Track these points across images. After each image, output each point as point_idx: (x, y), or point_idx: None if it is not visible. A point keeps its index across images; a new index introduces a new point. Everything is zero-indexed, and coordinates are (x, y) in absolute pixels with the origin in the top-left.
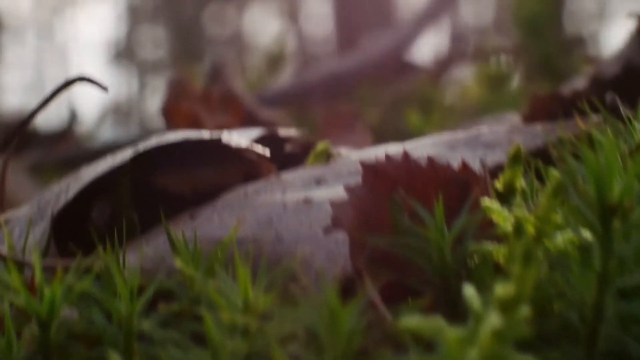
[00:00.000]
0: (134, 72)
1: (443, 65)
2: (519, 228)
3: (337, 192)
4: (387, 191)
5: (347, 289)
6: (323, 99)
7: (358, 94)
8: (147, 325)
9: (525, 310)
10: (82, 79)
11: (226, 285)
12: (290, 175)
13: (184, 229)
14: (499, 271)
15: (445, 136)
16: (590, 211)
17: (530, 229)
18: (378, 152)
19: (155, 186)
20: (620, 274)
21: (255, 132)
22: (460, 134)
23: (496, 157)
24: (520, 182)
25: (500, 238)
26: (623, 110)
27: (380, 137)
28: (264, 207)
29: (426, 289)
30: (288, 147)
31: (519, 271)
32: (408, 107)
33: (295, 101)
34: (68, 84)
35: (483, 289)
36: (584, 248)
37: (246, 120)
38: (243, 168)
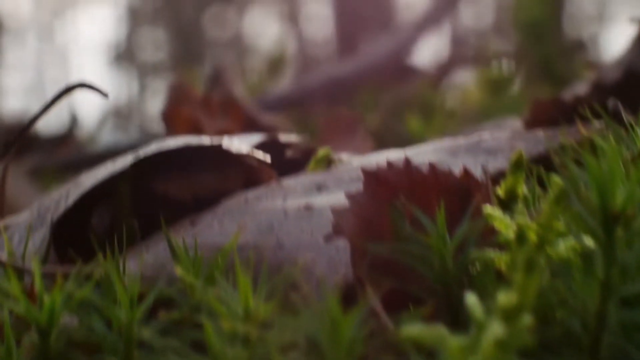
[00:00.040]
0: (134, 74)
1: (443, 69)
2: (521, 235)
3: (338, 198)
4: (389, 198)
5: (348, 296)
6: (323, 103)
7: (358, 98)
8: (147, 333)
9: (527, 319)
10: (82, 85)
11: (227, 293)
12: (291, 181)
13: (184, 235)
14: (500, 279)
15: (447, 142)
16: (592, 219)
17: (532, 237)
18: (379, 159)
19: (156, 192)
20: (623, 282)
21: (256, 137)
22: (461, 140)
23: (498, 163)
24: (522, 189)
25: (502, 245)
26: (625, 116)
27: (380, 141)
28: (265, 214)
29: (428, 297)
30: (289, 153)
31: (521, 280)
32: (409, 111)
33: (295, 105)
34: (68, 90)
35: (485, 296)
36: (586, 256)
37: (247, 125)
38: (244, 174)
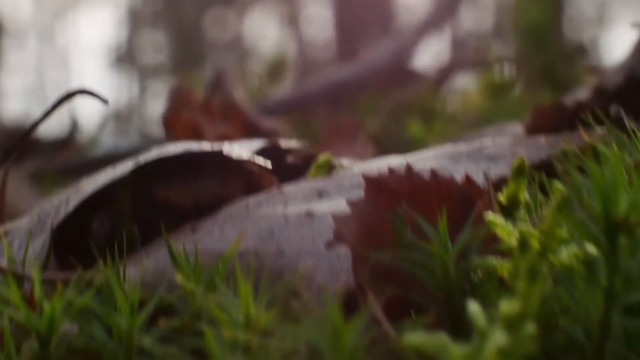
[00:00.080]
0: (135, 76)
1: (444, 73)
2: (523, 243)
3: (339, 205)
4: (390, 205)
5: (350, 303)
6: (324, 107)
7: (359, 102)
8: (147, 340)
9: (530, 327)
10: (82, 91)
11: (227, 300)
12: (292, 187)
13: (184, 241)
14: (503, 286)
15: (448, 148)
16: (595, 226)
17: (534, 244)
18: (380, 165)
19: (156, 198)
20: (626, 290)
21: (257, 143)
22: (463, 146)
23: (500, 170)
24: (524, 195)
25: (504, 253)
26: (627, 122)
27: (381, 146)
28: (266, 220)
29: (429, 304)
30: (289, 159)
31: (524, 288)
32: (409, 116)
33: (296, 110)
34: (69, 96)
35: (487, 304)
36: (589, 263)
37: (247, 129)
38: (244, 180)
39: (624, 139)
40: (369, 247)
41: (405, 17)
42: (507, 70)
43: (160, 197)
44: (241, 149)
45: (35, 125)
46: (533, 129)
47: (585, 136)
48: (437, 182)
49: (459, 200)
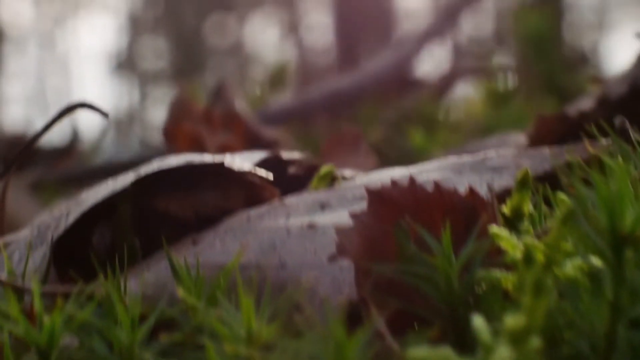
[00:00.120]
0: (135, 82)
1: (446, 81)
2: (528, 256)
3: (341, 217)
4: (393, 217)
5: (353, 316)
6: (325, 116)
7: (360, 111)
8: (148, 354)
9: (536, 341)
10: (83, 104)
11: (229, 314)
12: (294, 199)
13: (186, 254)
14: (507, 299)
15: (451, 160)
16: (601, 239)
17: (539, 257)
18: (383, 177)
19: (157, 210)
20: (632, 304)
21: (258, 155)
22: (466, 158)
23: (503, 181)
24: (528, 207)
25: (509, 266)
26: (632, 133)
27: (383, 156)
28: (267, 232)
29: (433, 318)
30: (291, 170)
31: (529, 301)
32: (411, 125)
33: (297, 118)
34: (69, 109)
35: (491, 317)
36: (594, 277)
37: (249, 139)
38: (246, 192)
39: (629, 151)
40: (371, 260)
41: (406, 23)
42: (509, 79)
43: (161, 210)
44: (243, 161)
45: (35, 138)
46: (536, 139)
47: (589, 147)
48: (441, 194)
49: (463, 213)
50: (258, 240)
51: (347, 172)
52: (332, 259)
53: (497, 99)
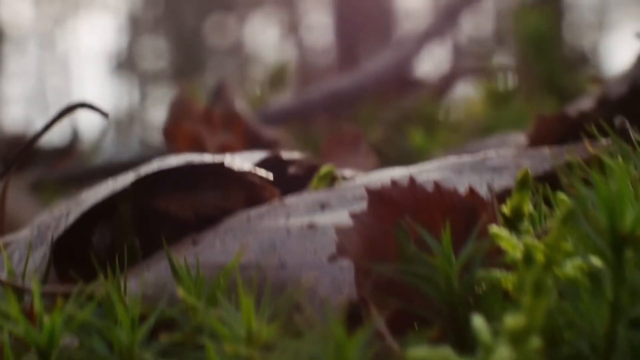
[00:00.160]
0: (135, 82)
1: (446, 81)
2: (528, 256)
3: (341, 217)
4: (393, 217)
5: (353, 316)
6: (325, 116)
7: (360, 111)
8: (148, 354)
9: (536, 342)
10: (83, 104)
11: (229, 314)
12: (294, 199)
13: (186, 254)
14: (507, 299)
15: (451, 160)
16: (601, 239)
17: (539, 257)
18: (383, 177)
19: (157, 210)
20: (632, 304)
21: (258, 155)
22: (466, 158)
23: (503, 181)
24: (528, 207)
25: (509, 266)
26: (632, 134)
27: (383, 156)
28: (268, 232)
29: (433, 318)
30: (291, 170)
31: (529, 301)
32: (411, 125)
33: (297, 118)
34: (69, 110)
35: (491, 317)
36: (594, 277)
37: (249, 139)
38: (246, 192)
39: (629, 151)
40: (371, 260)
41: (405, 23)
42: (509, 79)
43: (161, 210)
44: (243, 161)
45: (35, 138)
46: (536, 139)
47: (589, 148)
48: (441, 194)
49: (463, 213)
50: (258, 240)
51: (347, 172)
52: (332, 259)
53: (497, 99)
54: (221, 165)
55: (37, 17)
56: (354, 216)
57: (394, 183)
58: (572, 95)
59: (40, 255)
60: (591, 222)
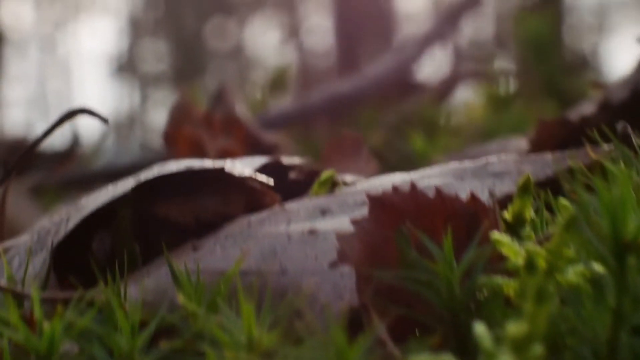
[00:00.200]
0: (136, 85)
1: (446, 85)
2: (530, 262)
3: (342, 223)
4: (394, 223)
5: (354, 322)
6: (326, 120)
7: (361, 115)
8: None
9: (538, 349)
10: (83, 110)
11: (229, 320)
12: (294, 205)
13: (186, 260)
14: (509, 306)
15: (453, 165)
16: (603, 246)
17: (541, 263)
18: (384, 182)
19: (157, 216)
20: (634, 310)
21: (259, 160)
22: (467, 163)
23: (505, 187)
24: (530, 213)
25: (511, 272)
26: (635, 139)
27: (384, 160)
28: (268, 238)
29: (434, 324)
30: (292, 175)
31: (531, 308)
32: (412, 129)
33: (297, 123)
34: (69, 115)
35: (493, 324)
36: (596, 283)
37: (249, 144)
38: (246, 197)
39: (631, 156)
40: (373, 266)
41: (406, 27)
42: (510, 82)
43: (161, 215)
44: (243, 166)
45: (35, 143)
46: (537, 144)
47: (591, 153)
48: (442, 200)
49: (464, 219)
50: (259, 246)
51: (348, 178)
52: (333, 265)
53: (498, 103)
54: (221, 170)
55: (37, 20)
56: (355, 222)
57: (395, 189)
58: (573, 98)
59: (40, 261)
60: (593, 229)
